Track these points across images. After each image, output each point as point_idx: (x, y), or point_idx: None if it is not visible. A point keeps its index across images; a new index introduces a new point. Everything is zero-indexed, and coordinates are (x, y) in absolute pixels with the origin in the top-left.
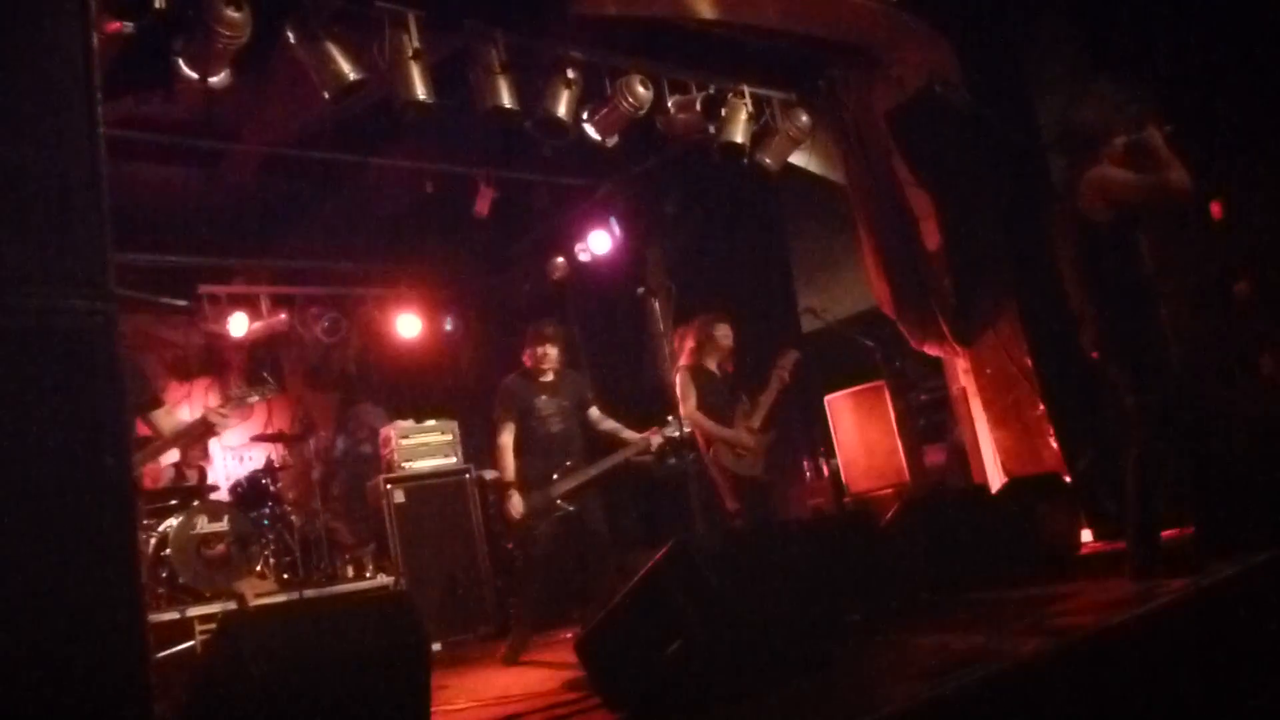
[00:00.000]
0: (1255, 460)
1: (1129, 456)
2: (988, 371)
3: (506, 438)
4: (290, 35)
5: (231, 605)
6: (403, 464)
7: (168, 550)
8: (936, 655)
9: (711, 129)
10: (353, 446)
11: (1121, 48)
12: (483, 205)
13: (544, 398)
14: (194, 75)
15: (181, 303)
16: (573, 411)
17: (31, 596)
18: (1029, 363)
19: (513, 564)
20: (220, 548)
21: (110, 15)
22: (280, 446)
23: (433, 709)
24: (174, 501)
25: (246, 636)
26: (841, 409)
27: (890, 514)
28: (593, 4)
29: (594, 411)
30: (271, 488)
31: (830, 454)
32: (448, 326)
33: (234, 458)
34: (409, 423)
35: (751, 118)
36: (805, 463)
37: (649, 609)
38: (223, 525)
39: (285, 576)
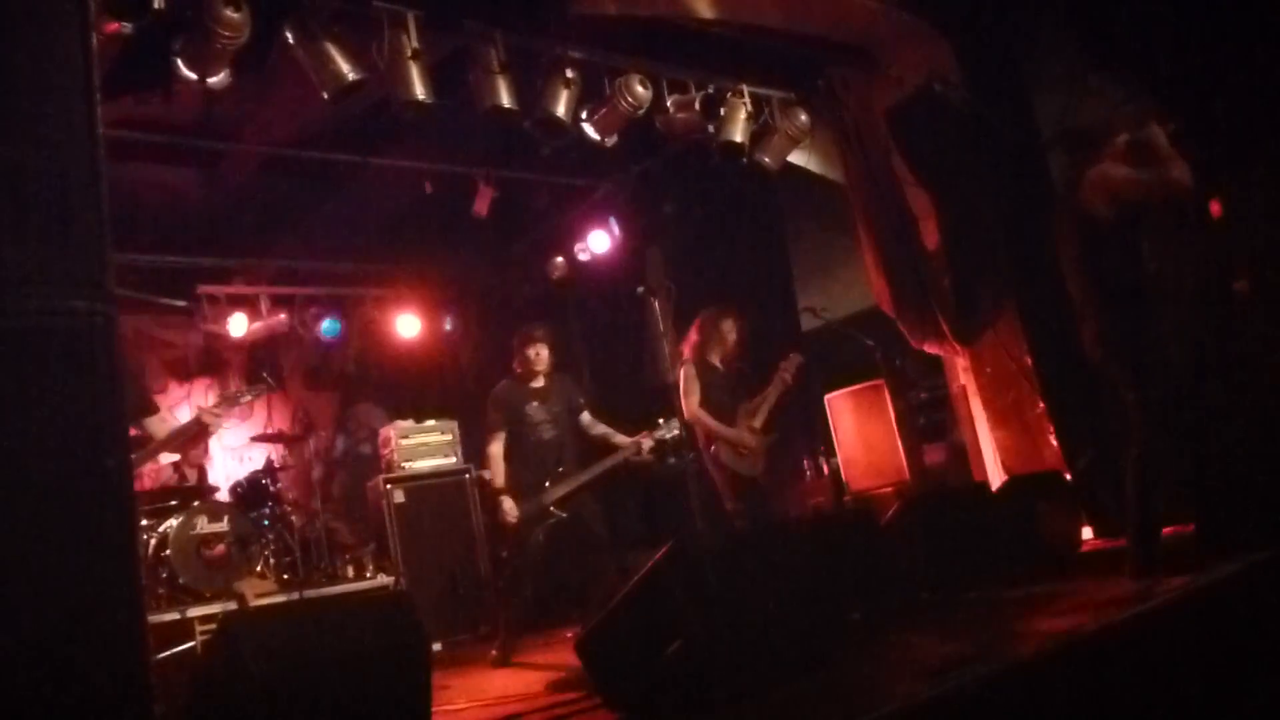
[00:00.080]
0: (1255, 459)
1: (1129, 455)
2: (987, 370)
3: (496, 447)
4: (289, 35)
5: (232, 605)
6: (402, 464)
7: (168, 551)
8: (936, 655)
9: (711, 128)
10: (352, 447)
11: (1121, 47)
12: (482, 205)
13: (535, 404)
14: (193, 76)
15: (181, 303)
16: (564, 417)
17: (32, 597)
18: (1029, 361)
19: (507, 569)
20: (220, 548)
21: (109, 16)
22: (280, 447)
23: (433, 709)
24: (174, 502)
25: (247, 637)
26: (841, 408)
27: (890, 513)
28: (592, 3)
29: (585, 416)
30: (271, 488)
31: (830, 453)
32: (447, 326)
33: (234, 458)
34: (409, 423)
35: (751, 117)
36: (805, 461)
37: (649, 609)
38: (223, 525)
39: (285, 577)
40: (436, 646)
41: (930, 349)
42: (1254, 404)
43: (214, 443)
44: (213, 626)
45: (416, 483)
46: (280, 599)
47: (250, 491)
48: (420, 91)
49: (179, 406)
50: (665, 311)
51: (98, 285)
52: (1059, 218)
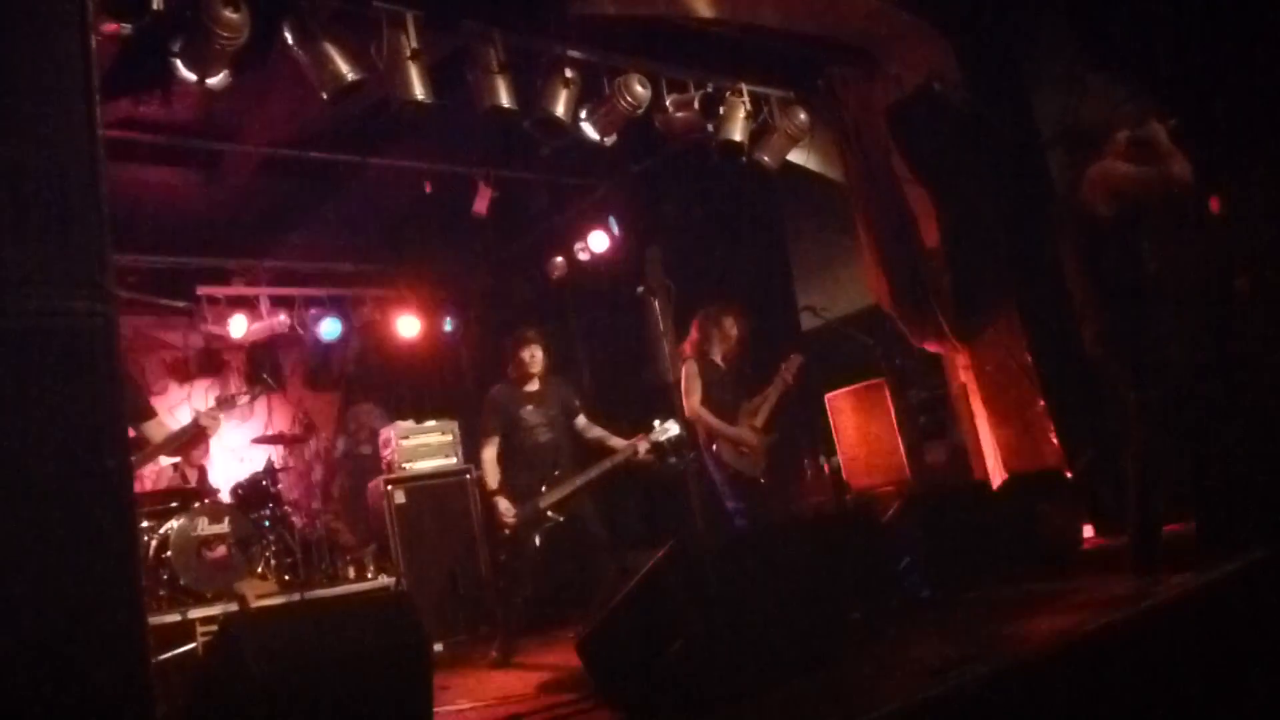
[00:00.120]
0: (1255, 459)
1: (1130, 453)
2: (988, 368)
3: (490, 452)
4: (288, 35)
5: (233, 607)
6: (403, 465)
7: (169, 552)
8: (936, 655)
9: (710, 128)
10: (353, 447)
11: (1121, 47)
12: (482, 205)
13: (530, 408)
14: (192, 76)
15: (181, 304)
16: (560, 420)
17: (32, 597)
18: (1029, 359)
19: (505, 573)
20: (221, 549)
21: (109, 16)
22: (281, 448)
23: (434, 709)
24: (175, 503)
25: (248, 638)
26: (842, 407)
27: (891, 512)
28: (591, 3)
29: (581, 419)
30: (272, 489)
31: (831, 452)
32: (447, 327)
33: (234, 459)
34: (409, 423)
35: (750, 116)
36: (805, 461)
37: (649, 609)
38: (223, 527)
39: (286, 578)
40: (437, 647)
41: (930, 348)
42: (1254, 404)
43: (215, 444)
44: (214, 628)
45: (417, 483)
46: (281, 600)
47: (251, 493)
48: (420, 91)
49: (179, 407)
50: (665, 311)
51: (98, 285)
52: (1060, 217)
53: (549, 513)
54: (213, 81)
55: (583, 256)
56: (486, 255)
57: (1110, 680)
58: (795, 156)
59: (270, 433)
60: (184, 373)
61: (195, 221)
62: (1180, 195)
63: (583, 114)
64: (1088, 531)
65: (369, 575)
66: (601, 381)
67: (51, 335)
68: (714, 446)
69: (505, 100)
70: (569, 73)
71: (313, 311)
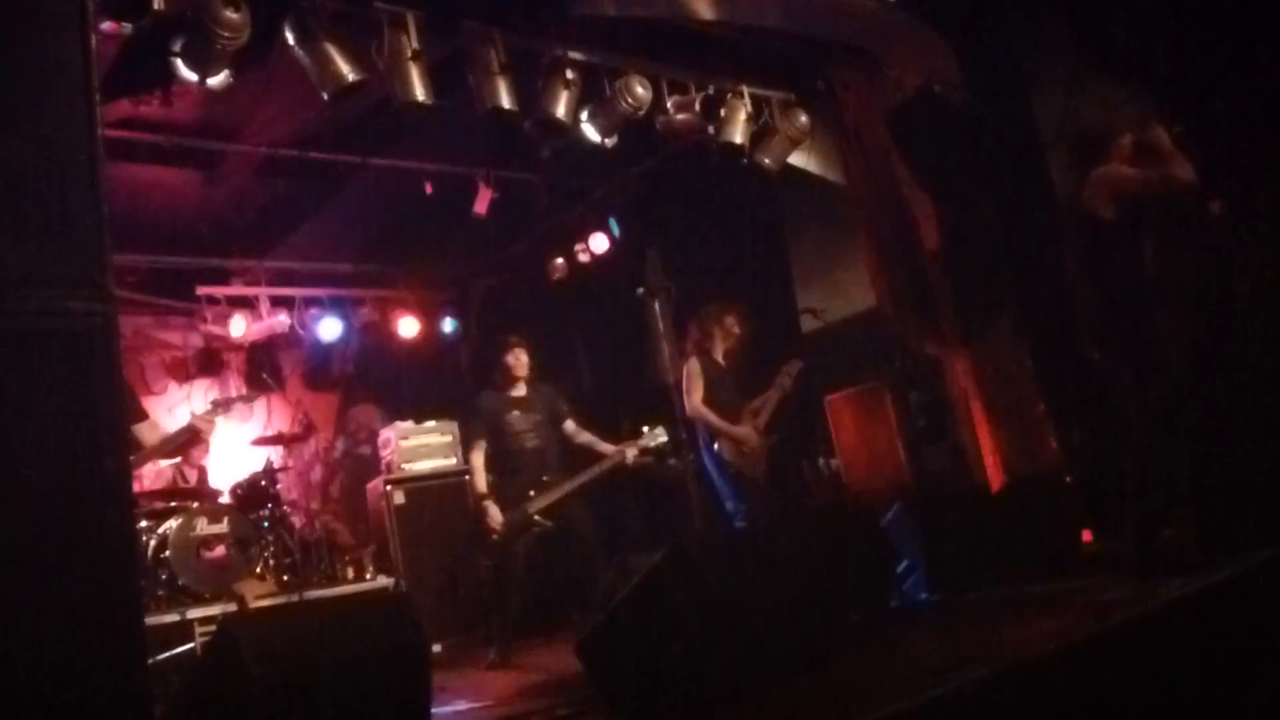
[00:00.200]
0: (1255, 459)
1: (1129, 456)
2: (988, 371)
3: (478, 457)
4: (289, 36)
5: (232, 607)
6: (403, 465)
7: (167, 552)
8: (936, 656)
9: (711, 129)
10: (352, 448)
11: (1121, 48)
12: (482, 205)
13: (516, 414)
14: (193, 76)
15: (181, 304)
16: (547, 426)
17: (31, 597)
18: (1029, 362)
19: (491, 579)
20: (220, 549)
21: (109, 16)
22: (280, 448)
23: (433, 710)
24: (174, 503)
25: (246, 638)
26: (841, 409)
27: (890, 514)
28: (591, 4)
29: (569, 425)
30: (271, 489)
31: (830, 454)
32: (447, 327)
33: (234, 459)
34: (408, 424)
35: (750, 118)
36: (805, 463)
37: (649, 609)
38: (222, 527)
39: (285, 578)
40: (436, 648)
41: (930, 350)
42: (1254, 404)
43: (214, 444)
44: (212, 628)
45: (416, 484)
46: (280, 600)
47: (250, 493)
48: (420, 92)
49: (178, 408)
50: (665, 312)
51: (97, 285)
52: (1065, 221)
53: (537, 518)
54: (213, 81)
55: (583, 257)
56: (486, 256)
57: (1110, 682)
58: (796, 158)
59: (270, 433)
60: (183, 373)
61: (195, 221)
62: (1182, 198)
63: (583, 115)
64: (1087, 534)
65: (368, 576)
66: (601, 383)
67: (51, 335)
68: (715, 446)
69: (506, 101)
70: (570, 74)
71: (313, 312)
